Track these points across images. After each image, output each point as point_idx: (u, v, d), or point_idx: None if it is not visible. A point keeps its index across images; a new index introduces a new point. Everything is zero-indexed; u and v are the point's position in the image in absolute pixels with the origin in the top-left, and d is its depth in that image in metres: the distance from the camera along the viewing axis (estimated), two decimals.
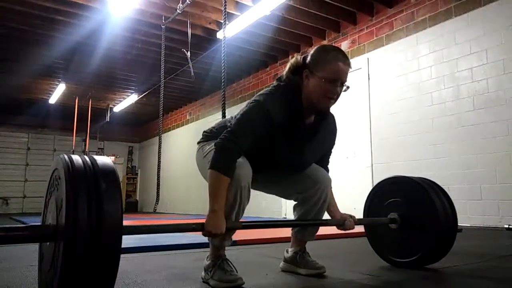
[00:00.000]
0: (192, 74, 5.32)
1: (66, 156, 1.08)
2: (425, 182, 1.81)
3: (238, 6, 5.17)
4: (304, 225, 1.73)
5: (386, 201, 1.86)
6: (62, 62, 7.20)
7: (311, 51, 1.58)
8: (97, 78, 8.09)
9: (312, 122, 1.61)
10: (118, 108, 10.27)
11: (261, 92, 1.58)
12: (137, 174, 13.46)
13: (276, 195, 1.82)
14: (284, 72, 1.61)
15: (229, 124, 1.56)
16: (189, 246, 2.50)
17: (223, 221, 1.39)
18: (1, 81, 8.07)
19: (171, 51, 6.03)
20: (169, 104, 9.74)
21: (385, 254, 1.87)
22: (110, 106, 10.44)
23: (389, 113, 4.79)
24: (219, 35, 5.50)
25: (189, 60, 5.21)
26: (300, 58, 1.59)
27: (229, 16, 4.83)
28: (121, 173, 13.16)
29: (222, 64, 3.70)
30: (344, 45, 5.56)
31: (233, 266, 1.52)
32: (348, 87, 1.54)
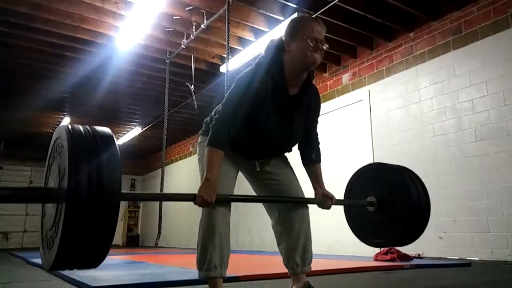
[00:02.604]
0: (195, 106, 5.39)
1: (68, 126, 1.16)
2: (403, 169, 1.96)
3: (240, 41, 5.30)
4: (285, 202, 1.77)
5: (366, 186, 1.97)
6: (68, 96, 7.31)
7: (287, 24, 1.73)
8: (101, 111, 8.19)
9: (296, 93, 1.71)
10: (122, 140, 10.32)
11: (245, 70, 1.70)
12: (139, 207, 13.35)
13: (262, 199, 1.86)
14: (264, 50, 1.74)
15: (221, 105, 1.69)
16: (193, 282, 2.43)
17: (215, 189, 1.51)
18: (7, 116, 8.17)
19: (175, 84, 6.14)
20: (172, 136, 9.80)
21: (365, 236, 1.96)
22: None
23: (391, 144, 4.79)
24: (222, 69, 5.61)
25: (193, 93, 5.30)
26: (275, 38, 1.74)
27: (232, 51, 4.93)
28: (123, 207, 13.07)
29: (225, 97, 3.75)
30: (345, 78, 5.65)
31: None
32: (327, 46, 1.67)
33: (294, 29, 1.67)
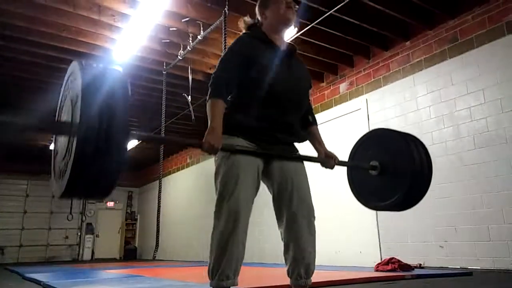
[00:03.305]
0: (193, 117, 5.38)
1: (82, 63, 1.23)
2: (407, 135, 2.01)
3: None
4: (290, 158, 1.78)
5: (368, 152, 2.01)
6: None
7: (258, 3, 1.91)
8: None
9: (284, 47, 1.84)
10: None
11: None
12: (136, 219, 13.23)
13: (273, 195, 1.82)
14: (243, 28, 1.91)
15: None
16: None
17: (220, 137, 1.58)
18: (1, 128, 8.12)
19: (172, 95, 6.13)
20: (169, 148, 9.77)
21: (368, 201, 2.00)
22: None
23: None
24: None
25: (190, 104, 5.29)
26: (248, 17, 1.91)
27: None
28: (120, 219, 12.97)
29: None
30: (342, 87, 5.66)
31: None
32: (297, 6, 1.87)
33: (265, 1, 1.85)
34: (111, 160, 1.10)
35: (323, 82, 5.97)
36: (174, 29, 4.74)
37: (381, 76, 5.11)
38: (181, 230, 9.78)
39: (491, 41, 3.96)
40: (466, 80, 4.13)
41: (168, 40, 4.96)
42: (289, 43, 1.90)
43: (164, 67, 5.45)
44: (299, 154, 1.81)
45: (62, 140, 1.23)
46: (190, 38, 4.78)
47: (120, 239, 12.78)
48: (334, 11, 4.17)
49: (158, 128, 6.71)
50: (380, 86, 5.09)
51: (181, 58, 5.01)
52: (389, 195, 1.85)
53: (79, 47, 5.04)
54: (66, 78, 1.33)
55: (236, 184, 1.61)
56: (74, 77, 1.20)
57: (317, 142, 1.92)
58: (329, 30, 4.67)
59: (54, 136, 1.39)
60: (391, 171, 1.88)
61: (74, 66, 1.23)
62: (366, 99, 5.23)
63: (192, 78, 5.39)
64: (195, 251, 8.73)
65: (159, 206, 5.12)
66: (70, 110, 1.17)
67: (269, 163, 1.76)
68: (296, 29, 4.34)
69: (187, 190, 9.63)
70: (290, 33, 4.42)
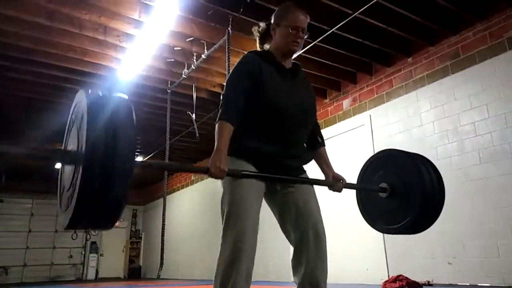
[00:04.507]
0: (197, 135, 5.41)
1: (88, 90, 1.24)
2: (417, 156, 1.96)
3: None
4: (295, 182, 1.75)
5: (378, 173, 1.96)
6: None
7: (275, 12, 1.88)
8: None
9: (289, 67, 1.85)
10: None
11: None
12: (140, 238, 13.16)
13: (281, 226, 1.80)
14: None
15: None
16: None
17: (225, 160, 1.56)
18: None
19: (177, 113, 6.18)
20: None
21: (377, 223, 1.94)
22: None
23: None
24: None
25: (194, 122, 5.32)
26: (264, 24, 1.91)
27: None
28: (124, 238, 12.90)
29: None
30: (345, 103, 5.68)
31: None
32: (308, 34, 1.84)
33: (279, 16, 1.83)
34: (116, 192, 1.11)
35: (326, 98, 6.00)
36: (179, 48, 4.81)
37: (384, 92, 5.14)
38: (185, 248, 9.71)
39: (493, 57, 3.98)
40: (469, 95, 4.13)
41: (172, 59, 5.03)
42: (294, 62, 1.90)
43: (169, 85, 5.51)
44: (306, 178, 1.78)
45: (68, 169, 1.24)
46: (194, 57, 4.84)
47: (124, 258, 12.69)
48: (336, 29, 4.22)
49: (162, 146, 6.74)
50: (384, 102, 5.11)
51: (185, 77, 5.07)
52: (399, 219, 1.81)
53: (84, 67, 5.11)
54: (72, 106, 1.34)
55: (242, 209, 1.58)
56: (80, 106, 1.22)
57: (325, 164, 1.89)
58: (332, 48, 4.71)
59: (60, 165, 1.40)
60: (401, 194, 1.83)
61: (80, 95, 1.24)
62: (370, 115, 5.25)
63: (196, 96, 5.44)
64: (200, 270, 8.65)
65: (163, 224, 5.10)
66: (76, 139, 1.18)
67: (274, 186, 1.75)
68: None
69: (191, 207, 9.60)
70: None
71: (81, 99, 1.22)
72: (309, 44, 4.46)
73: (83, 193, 1.07)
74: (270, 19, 1.87)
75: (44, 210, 11.83)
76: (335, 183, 1.82)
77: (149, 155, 9.02)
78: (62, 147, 1.39)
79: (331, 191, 1.88)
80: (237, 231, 1.56)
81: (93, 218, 1.13)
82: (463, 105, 4.18)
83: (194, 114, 5.27)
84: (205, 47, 4.64)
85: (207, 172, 1.52)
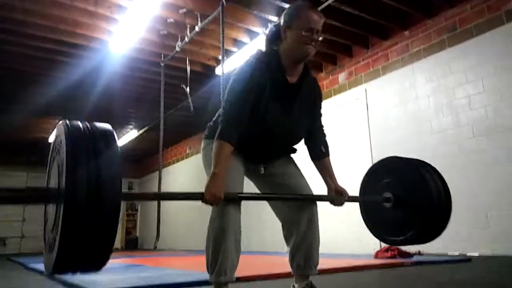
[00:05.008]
0: (192, 109, 5.38)
1: (67, 123, 1.12)
2: (419, 163, 1.87)
3: (235, 43, 5.29)
4: (292, 200, 1.72)
5: (381, 182, 1.87)
6: (62, 101, 7.27)
7: (285, 11, 1.71)
8: (97, 115, 8.14)
9: (295, 82, 1.69)
10: (118, 144, 10.27)
11: (241, 64, 1.66)
12: (137, 210, 13.31)
13: (269, 197, 1.81)
14: (264, 45, 1.74)
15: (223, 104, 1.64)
16: (193, 284, 2.42)
17: (223, 185, 1.45)
18: (1, 121, 8.12)
19: (171, 87, 6.11)
20: (169, 138, 9.76)
21: (381, 234, 1.88)
22: None
23: (389, 142, 4.80)
24: (218, 70, 5.60)
25: (188, 96, 5.28)
26: (273, 26, 1.74)
27: (227, 53, 4.93)
28: (121, 210, 13.01)
29: (221, 99, 3.75)
30: (341, 77, 5.65)
31: None
32: (322, 36, 1.68)
33: (291, 17, 1.65)
34: (103, 232, 1.01)
35: (322, 72, 5.96)
36: (172, 20, 4.71)
37: (380, 66, 5.11)
38: (181, 220, 9.84)
39: (490, 30, 3.95)
40: (465, 69, 4.13)
41: (165, 32, 4.93)
42: (305, 67, 1.73)
43: (162, 58, 5.43)
44: (309, 195, 1.73)
45: (51, 208, 1.13)
46: (188, 30, 4.75)
47: (121, 229, 12.85)
48: (332, 2, 4.14)
49: (157, 120, 6.71)
50: (379, 76, 5.09)
51: (179, 50, 4.99)
52: (405, 230, 1.73)
53: (76, 39, 5.01)
54: (53, 139, 1.21)
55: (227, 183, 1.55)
56: (60, 140, 1.11)
57: (329, 176, 1.79)
58: (327, 21, 4.64)
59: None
60: (406, 204, 1.74)
61: (59, 128, 1.13)
62: (365, 89, 5.24)
63: (190, 70, 5.37)
64: (195, 240, 8.80)
65: None
66: (57, 176, 1.08)
67: (258, 168, 1.76)
68: None
69: (186, 180, 9.66)
70: None
71: (60, 132, 1.10)
72: None
73: (67, 235, 0.97)
74: (280, 20, 1.70)
75: (39, 183, 11.74)
76: (337, 197, 1.75)
77: (143, 129, 8.99)
78: (45, 183, 1.27)
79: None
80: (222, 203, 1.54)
81: (80, 262, 1.03)
82: (459, 79, 4.17)
83: (188, 88, 5.22)
84: (199, 19, 4.55)
85: (201, 199, 1.43)
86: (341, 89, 5.60)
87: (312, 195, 1.73)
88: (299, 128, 1.73)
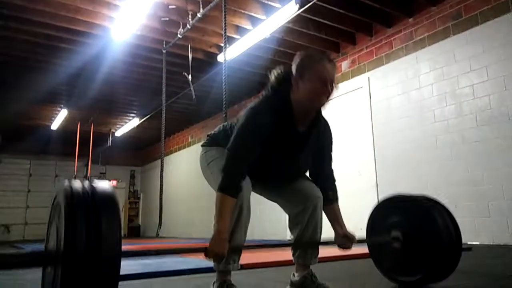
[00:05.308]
0: (194, 97, 5.36)
1: (66, 182, 1.10)
2: (428, 200, 1.80)
3: (238, 30, 5.24)
4: (300, 246, 1.71)
5: (389, 220, 1.82)
6: (64, 88, 7.26)
7: (295, 59, 1.62)
8: (98, 103, 8.14)
9: (305, 128, 1.63)
10: (120, 132, 10.30)
11: (251, 105, 1.61)
12: (139, 198, 13.38)
13: (274, 201, 1.82)
14: (270, 83, 1.65)
15: (229, 136, 1.60)
16: (194, 271, 2.44)
17: (226, 243, 1.41)
18: (4, 108, 8.12)
19: (172, 74, 6.09)
20: (170, 127, 9.76)
21: (389, 273, 1.83)
22: (112, 130, 10.48)
23: (392, 131, 4.78)
24: (220, 58, 5.56)
25: (190, 83, 5.26)
26: (280, 70, 1.64)
27: (229, 40, 4.89)
28: (123, 198, 13.10)
29: (223, 86, 3.72)
30: (344, 65, 5.60)
31: None
32: (336, 86, 1.59)
33: (303, 68, 1.56)
34: None
35: None
36: (173, 6, 4.66)
37: (383, 54, 5.06)
38: (183, 207, 9.90)
39: (496, 18, 3.90)
40: (470, 57, 4.08)
41: (167, 18, 4.88)
42: (317, 113, 1.65)
43: (164, 46, 5.39)
44: (314, 241, 1.70)
45: (48, 270, 1.11)
46: (190, 16, 4.71)
47: (123, 217, 12.94)
48: None
49: (158, 108, 6.69)
50: (383, 64, 5.04)
51: (180, 37, 4.95)
52: (412, 271, 1.69)
53: (77, 26, 4.97)
54: (53, 197, 1.18)
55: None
56: (59, 199, 1.09)
57: (337, 223, 1.74)
58: (331, 7, 4.59)
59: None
60: (415, 243, 1.69)
61: (59, 187, 1.11)
62: (368, 77, 5.20)
63: (192, 57, 5.34)
64: (198, 228, 8.86)
65: (161, 185, 5.16)
66: (55, 237, 1.07)
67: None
68: (298, 6, 4.27)
69: (188, 168, 9.68)
70: (291, 10, 4.35)
71: (60, 191, 1.09)
72: (308, 3, 4.34)
73: None
74: (291, 68, 1.60)
75: (42, 170, 11.95)
76: (344, 241, 1.69)
77: (144, 117, 8.99)
78: (44, 243, 1.23)
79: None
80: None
81: None
82: (463, 67, 4.13)
83: (190, 75, 5.19)
84: (201, 6, 4.50)
85: (205, 254, 1.38)
86: (344, 78, 5.56)
87: (318, 241, 1.71)
88: (303, 169, 1.73)
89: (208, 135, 1.80)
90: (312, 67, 1.54)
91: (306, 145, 1.64)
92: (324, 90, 1.54)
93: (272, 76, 1.64)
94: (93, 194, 1.06)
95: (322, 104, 1.59)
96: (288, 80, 1.59)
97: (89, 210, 1.01)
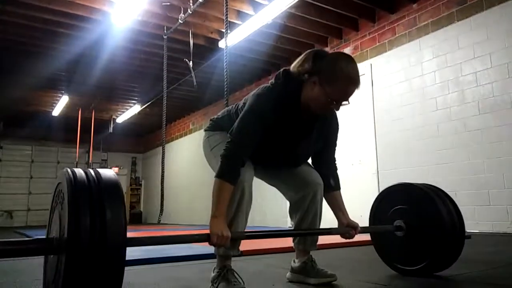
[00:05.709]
0: (195, 83, 5.33)
1: (69, 170, 1.09)
2: (430, 189, 1.79)
3: (239, 15, 5.18)
4: (304, 235, 1.71)
5: (392, 209, 1.82)
6: (65, 74, 7.23)
7: (328, 57, 1.53)
8: (99, 89, 8.11)
9: (311, 117, 1.60)
10: (121, 119, 10.29)
11: (258, 92, 1.58)
12: (141, 185, 13.44)
13: (275, 187, 1.81)
14: (292, 67, 1.56)
15: (232, 122, 1.57)
16: (196, 257, 2.46)
17: (226, 227, 1.39)
18: (4, 94, 8.10)
19: (173, 61, 6.05)
20: (172, 114, 9.75)
21: (392, 262, 1.83)
22: (113, 117, 10.47)
23: (393, 119, 4.75)
24: (221, 44, 5.51)
25: (191, 70, 5.22)
26: (309, 65, 1.52)
27: (230, 25, 4.83)
28: (124, 184, 13.16)
29: (225, 73, 3.69)
30: (346, 51, 5.52)
31: (239, 276, 1.49)
32: (349, 103, 1.54)
33: (328, 75, 1.47)
34: (107, 284, 0.98)
35: (327, 46, 5.85)
36: None
37: (386, 40, 5.00)
38: (184, 194, 9.94)
39: (501, 3, 3.84)
40: (474, 44, 4.03)
41: (168, 3, 4.83)
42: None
43: (165, 31, 5.34)
44: (316, 229, 1.70)
45: (51, 259, 1.10)
46: (191, 1, 4.65)
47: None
48: None
49: (160, 95, 6.67)
50: (385, 51, 4.99)
51: (181, 22, 4.89)
52: (418, 260, 1.68)
53: (77, 10, 4.92)
54: (55, 185, 1.17)
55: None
56: (62, 187, 1.07)
57: (339, 210, 1.72)
58: None
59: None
60: (419, 233, 1.69)
61: (62, 175, 1.09)
62: (371, 64, 5.15)
63: (193, 43, 5.29)
64: (199, 215, 8.91)
65: (163, 172, 5.17)
66: (59, 225, 1.05)
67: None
68: None
69: (190, 155, 9.70)
70: None
71: (63, 179, 1.07)
72: None
73: (69, 282, 0.94)
74: (316, 65, 1.50)
75: (44, 157, 11.98)
76: (348, 231, 1.67)
77: (145, 104, 8.96)
78: (46, 231, 1.22)
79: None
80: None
81: None
82: (467, 54, 4.09)
83: (191, 62, 5.15)
84: None
85: (208, 241, 1.35)
86: None
87: (323, 229, 1.70)
88: (306, 156, 1.71)
89: (211, 120, 1.78)
90: (339, 84, 1.47)
91: (310, 133, 1.62)
92: (337, 106, 1.51)
93: (299, 66, 1.54)
94: (97, 182, 1.05)
95: (326, 115, 1.61)
96: (298, 80, 1.54)
97: (93, 198, 1.01)
